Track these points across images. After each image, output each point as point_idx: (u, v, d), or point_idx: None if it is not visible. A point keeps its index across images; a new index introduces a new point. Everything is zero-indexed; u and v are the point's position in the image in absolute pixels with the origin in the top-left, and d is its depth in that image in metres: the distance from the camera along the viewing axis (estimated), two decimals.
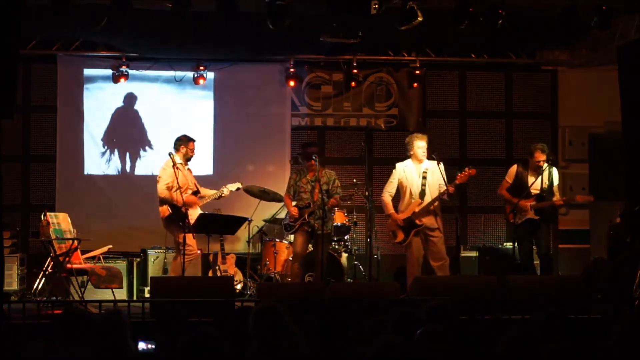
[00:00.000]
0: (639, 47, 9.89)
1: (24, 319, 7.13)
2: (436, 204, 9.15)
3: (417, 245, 9.20)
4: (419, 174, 9.21)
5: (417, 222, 9.14)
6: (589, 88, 11.65)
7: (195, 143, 9.49)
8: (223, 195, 9.59)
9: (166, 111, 11.38)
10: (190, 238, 9.06)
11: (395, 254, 11.41)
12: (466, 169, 9.12)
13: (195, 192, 9.30)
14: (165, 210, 9.14)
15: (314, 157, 9.30)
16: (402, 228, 9.23)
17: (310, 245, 9.65)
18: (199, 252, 10.25)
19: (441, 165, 9.13)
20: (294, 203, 9.54)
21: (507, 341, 4.10)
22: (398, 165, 9.39)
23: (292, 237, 9.75)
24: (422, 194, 9.15)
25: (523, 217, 9.36)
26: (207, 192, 9.57)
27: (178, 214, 9.04)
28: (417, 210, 9.14)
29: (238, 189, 9.65)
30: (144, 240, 10.32)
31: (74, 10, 8.59)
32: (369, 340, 4.52)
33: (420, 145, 9.21)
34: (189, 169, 9.47)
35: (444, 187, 9.05)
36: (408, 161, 9.33)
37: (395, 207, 9.38)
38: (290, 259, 9.82)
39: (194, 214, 9.26)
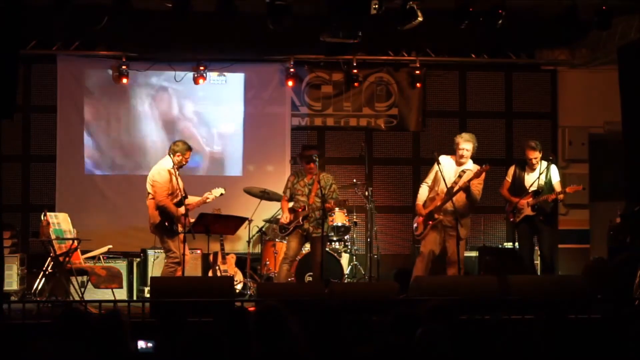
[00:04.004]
0: (639, 47, 9.89)
1: (24, 319, 7.13)
2: (462, 204, 9.02)
3: (432, 241, 9.11)
4: (455, 172, 9.11)
5: (435, 216, 9.07)
6: (589, 88, 11.67)
7: (191, 152, 9.19)
8: (208, 201, 9.25)
9: (166, 111, 11.39)
10: (175, 245, 8.97)
11: (395, 254, 11.44)
12: (482, 166, 9.08)
13: (184, 198, 8.96)
14: (157, 216, 8.97)
15: (314, 159, 9.29)
16: (424, 221, 9.17)
17: (307, 246, 9.65)
18: (199, 251, 10.27)
19: (472, 167, 9.10)
20: (290, 204, 9.51)
21: (506, 341, 4.10)
22: (440, 157, 9.15)
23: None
24: (450, 190, 8.99)
25: (521, 215, 9.40)
26: (193, 199, 9.21)
27: (169, 220, 8.94)
28: (439, 204, 9.07)
29: (222, 194, 9.29)
30: (144, 240, 10.29)
31: (74, 10, 8.60)
32: (369, 340, 4.52)
33: (462, 147, 9.08)
34: (177, 174, 9.09)
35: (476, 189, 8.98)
36: (451, 157, 9.20)
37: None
38: (283, 258, 9.57)
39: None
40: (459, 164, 9.17)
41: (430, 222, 9.08)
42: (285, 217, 9.43)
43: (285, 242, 9.92)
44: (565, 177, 9.82)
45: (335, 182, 9.59)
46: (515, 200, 9.39)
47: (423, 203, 9.24)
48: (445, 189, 9.01)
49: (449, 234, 9.05)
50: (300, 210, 9.35)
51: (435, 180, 9.20)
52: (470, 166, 9.16)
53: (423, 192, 9.29)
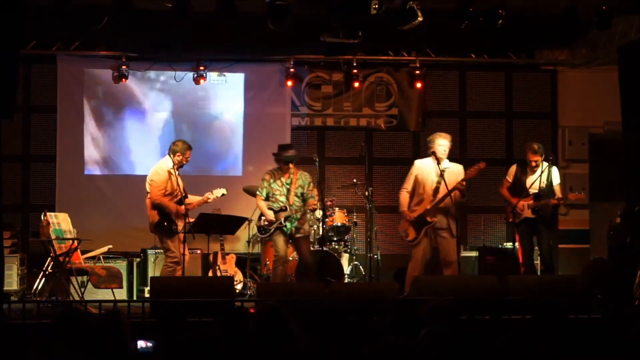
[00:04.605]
0: (639, 47, 9.89)
1: (24, 319, 7.13)
2: (450, 204, 8.99)
3: (425, 245, 9.07)
4: (436, 172, 9.06)
5: (428, 219, 9.04)
6: (589, 88, 11.67)
7: (191, 151, 9.14)
8: (209, 201, 9.20)
9: (166, 111, 11.39)
10: (174, 245, 8.95)
11: (395, 254, 11.43)
12: (477, 164, 9.06)
13: (184, 198, 8.96)
14: (155, 215, 8.94)
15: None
16: (413, 226, 9.11)
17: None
18: (199, 251, 10.26)
19: (460, 168, 9.10)
20: (267, 204, 9.35)
21: (506, 341, 4.10)
22: (417, 161, 9.26)
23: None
24: (436, 191, 8.99)
25: (521, 217, 9.40)
26: (194, 199, 9.19)
27: (168, 219, 8.94)
28: (428, 207, 9.03)
29: (223, 194, 9.24)
30: (144, 240, 10.29)
31: (74, 10, 8.60)
32: (369, 340, 4.51)
33: (441, 143, 9.06)
34: (178, 174, 9.08)
35: (459, 186, 8.92)
36: (428, 159, 9.18)
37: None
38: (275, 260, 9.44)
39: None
40: (440, 161, 9.13)
41: (424, 228, 9.03)
42: (269, 215, 9.29)
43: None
44: (566, 177, 9.82)
45: (312, 179, 9.46)
46: (514, 201, 9.37)
47: (407, 208, 9.20)
48: (431, 192, 8.99)
49: (440, 235, 9.03)
50: (281, 211, 9.23)
51: (417, 184, 9.14)
52: (448, 164, 9.14)
53: (404, 198, 9.18)
